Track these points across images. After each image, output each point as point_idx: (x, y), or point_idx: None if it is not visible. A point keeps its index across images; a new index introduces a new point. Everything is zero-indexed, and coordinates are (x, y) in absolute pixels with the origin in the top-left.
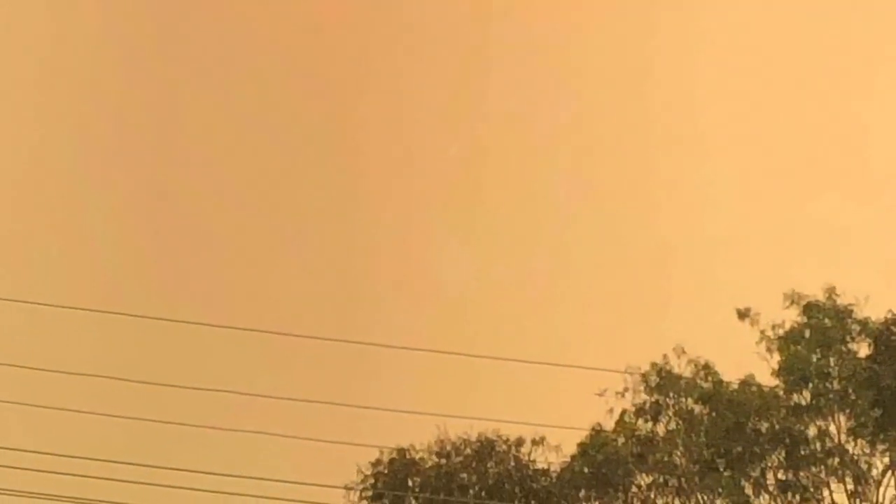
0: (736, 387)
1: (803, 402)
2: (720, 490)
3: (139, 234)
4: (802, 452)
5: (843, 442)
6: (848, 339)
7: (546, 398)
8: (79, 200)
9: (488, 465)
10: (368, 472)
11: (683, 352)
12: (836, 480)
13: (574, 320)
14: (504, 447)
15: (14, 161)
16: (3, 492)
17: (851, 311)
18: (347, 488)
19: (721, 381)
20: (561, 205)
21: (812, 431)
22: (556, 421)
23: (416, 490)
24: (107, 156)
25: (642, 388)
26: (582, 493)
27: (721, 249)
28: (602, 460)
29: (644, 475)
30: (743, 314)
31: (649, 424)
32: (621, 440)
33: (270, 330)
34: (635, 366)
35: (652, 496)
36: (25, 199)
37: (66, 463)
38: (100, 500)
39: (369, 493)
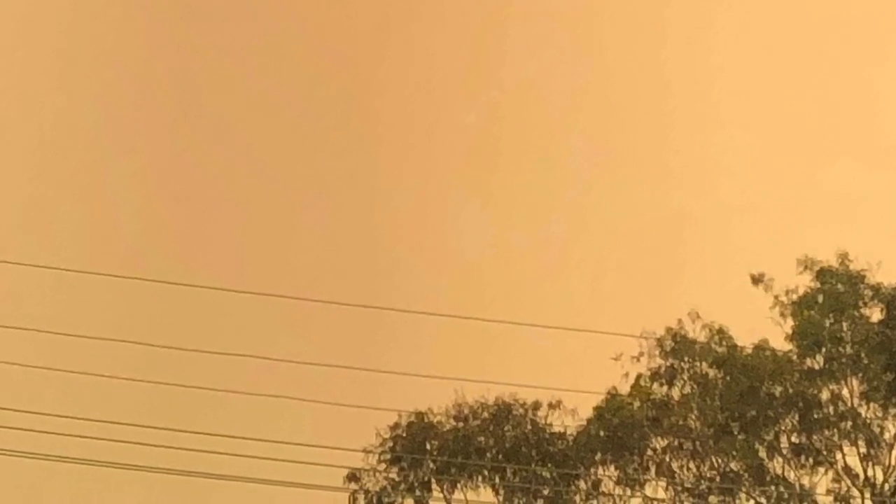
0: (750, 351)
1: (816, 367)
2: (734, 453)
3: (162, 201)
4: (815, 416)
5: (855, 405)
6: (860, 304)
7: (562, 362)
8: (102, 167)
9: (505, 429)
10: (387, 436)
11: (698, 317)
12: (848, 443)
13: (590, 285)
14: (521, 411)
15: (38, 129)
16: (29, 455)
17: (864, 276)
18: (366, 451)
19: (735, 346)
20: (577, 171)
21: (825, 395)
22: (572, 385)
23: (434, 453)
24: (129, 123)
25: (657, 352)
26: (598, 457)
27: (735, 216)
28: (617, 424)
29: (659, 438)
30: (757, 279)
31: (664, 388)
32: (636, 404)
33: (290, 295)
34: (651, 330)
35: (667, 459)
36: (50, 166)
37: (90, 427)
38: (124, 464)
39: (388, 456)
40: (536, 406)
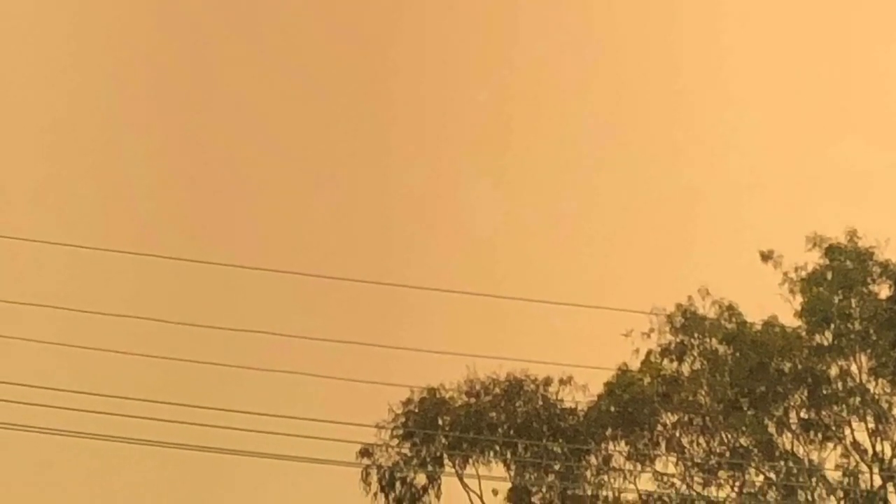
0: (759, 328)
1: (825, 343)
2: (744, 429)
3: (176, 178)
4: (824, 392)
5: (864, 381)
6: (869, 280)
7: (573, 338)
8: (117, 146)
9: (517, 404)
10: (399, 411)
11: (708, 293)
12: (857, 419)
13: (600, 262)
14: (532, 386)
15: (53, 106)
16: (43, 430)
17: (873, 253)
18: (379, 427)
19: (745, 322)
20: (588, 149)
21: (834, 371)
22: (583, 361)
23: (446, 429)
24: (144, 102)
25: (668, 328)
26: (608, 432)
27: (745, 193)
28: (628, 399)
29: (669, 414)
30: (766, 256)
31: (674, 364)
32: (647, 380)
33: (304, 272)
34: (661, 307)
35: (677, 435)
36: (65, 144)
37: (104, 402)
38: (138, 439)
39: (400, 432)
40: (548, 382)
